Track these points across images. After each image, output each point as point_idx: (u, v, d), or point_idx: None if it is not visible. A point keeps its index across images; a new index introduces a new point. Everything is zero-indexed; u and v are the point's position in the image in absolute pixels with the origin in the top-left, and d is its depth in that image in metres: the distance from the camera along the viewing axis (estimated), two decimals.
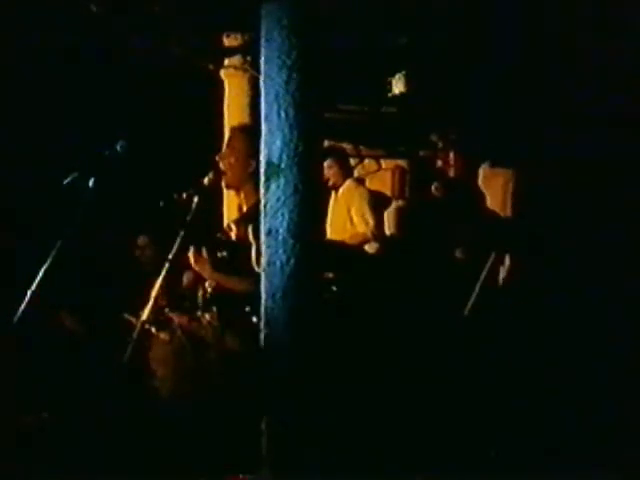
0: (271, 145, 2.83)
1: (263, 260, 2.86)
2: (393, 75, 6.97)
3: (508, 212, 6.05)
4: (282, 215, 2.81)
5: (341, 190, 6.22)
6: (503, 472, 3.47)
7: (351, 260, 4.56)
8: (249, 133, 3.92)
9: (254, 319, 3.34)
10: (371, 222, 6.03)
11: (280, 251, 2.81)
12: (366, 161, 8.47)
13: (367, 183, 7.05)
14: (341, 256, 4.40)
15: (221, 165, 3.98)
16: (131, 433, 3.61)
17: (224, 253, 3.76)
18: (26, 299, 3.57)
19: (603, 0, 4.84)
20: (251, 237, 3.54)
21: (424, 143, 7.90)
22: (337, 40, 5.11)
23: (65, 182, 3.67)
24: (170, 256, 3.80)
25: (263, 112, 2.85)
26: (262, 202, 2.85)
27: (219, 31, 6.34)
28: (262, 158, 2.85)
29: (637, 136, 4.79)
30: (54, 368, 4.18)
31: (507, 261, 5.14)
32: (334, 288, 3.98)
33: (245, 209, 4.00)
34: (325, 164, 5.71)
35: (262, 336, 2.86)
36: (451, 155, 7.52)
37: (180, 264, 3.84)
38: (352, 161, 7.17)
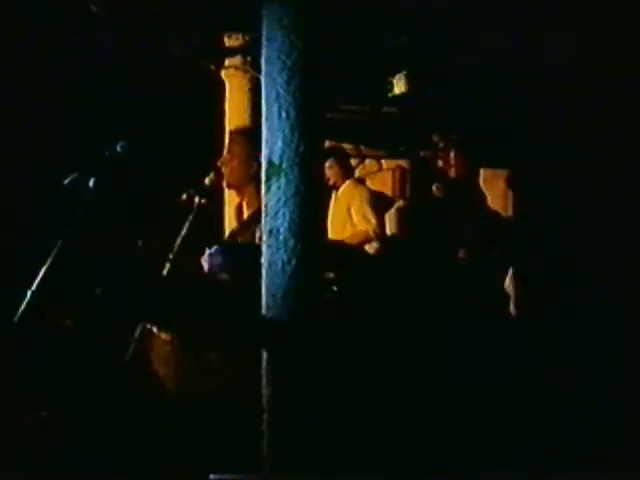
0: (272, 145, 2.83)
1: (264, 260, 2.86)
2: (394, 75, 6.98)
3: (509, 212, 6.05)
4: (283, 215, 2.81)
5: (341, 190, 6.22)
6: (503, 472, 3.47)
7: (352, 260, 4.56)
8: (248, 136, 3.93)
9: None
10: (371, 222, 6.04)
11: (281, 251, 2.81)
12: (367, 161, 8.48)
13: (368, 183, 7.05)
14: (342, 256, 4.39)
15: (223, 170, 3.99)
16: (131, 433, 3.61)
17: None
18: (26, 299, 3.56)
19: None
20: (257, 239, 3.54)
21: (425, 143, 7.90)
22: (338, 41, 5.11)
23: (65, 182, 3.66)
24: (171, 256, 3.81)
25: (264, 112, 2.85)
26: (263, 202, 2.85)
27: (220, 31, 6.34)
28: (263, 158, 2.85)
29: (637, 136, 4.80)
30: (54, 368, 4.18)
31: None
32: (335, 288, 3.98)
33: (247, 209, 4.01)
34: (326, 164, 5.71)
35: (262, 334, 2.86)
36: (452, 155, 7.52)
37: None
38: (353, 161, 7.18)
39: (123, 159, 3.63)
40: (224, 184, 4.09)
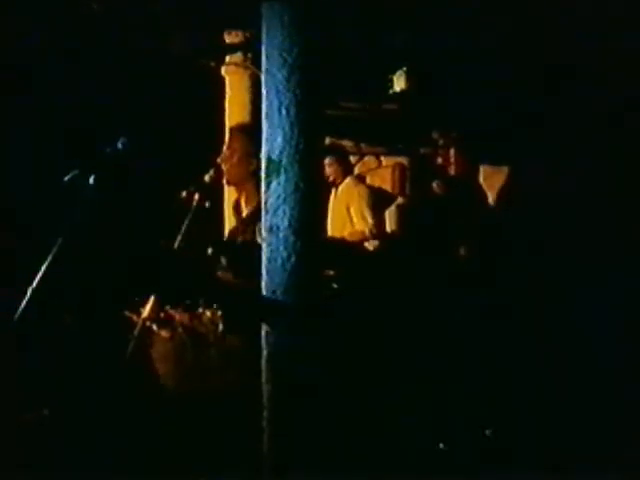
0: (272, 142, 2.83)
1: (264, 257, 2.86)
2: (394, 72, 6.98)
3: (509, 209, 6.04)
4: (283, 212, 2.81)
5: (341, 188, 6.22)
6: (503, 472, 3.47)
7: (351, 257, 4.56)
8: (248, 133, 3.94)
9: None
10: (369, 222, 6.04)
11: (281, 248, 2.81)
12: (367, 158, 8.48)
13: (368, 180, 7.06)
14: (341, 253, 4.39)
15: (223, 166, 3.99)
16: (131, 431, 3.61)
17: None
18: (26, 297, 3.56)
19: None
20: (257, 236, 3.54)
21: (425, 140, 7.91)
22: (338, 37, 5.11)
23: (65, 179, 3.66)
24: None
25: (264, 109, 2.85)
26: (263, 199, 2.85)
27: (220, 28, 6.34)
28: (263, 155, 2.85)
29: (637, 136, 4.80)
30: (54, 366, 4.18)
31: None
32: (335, 285, 3.98)
33: (245, 206, 4.01)
34: (325, 161, 5.71)
35: (263, 333, 2.86)
36: (452, 152, 7.53)
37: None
38: (353, 158, 7.18)
39: (124, 156, 3.63)
40: (224, 181, 4.09)
